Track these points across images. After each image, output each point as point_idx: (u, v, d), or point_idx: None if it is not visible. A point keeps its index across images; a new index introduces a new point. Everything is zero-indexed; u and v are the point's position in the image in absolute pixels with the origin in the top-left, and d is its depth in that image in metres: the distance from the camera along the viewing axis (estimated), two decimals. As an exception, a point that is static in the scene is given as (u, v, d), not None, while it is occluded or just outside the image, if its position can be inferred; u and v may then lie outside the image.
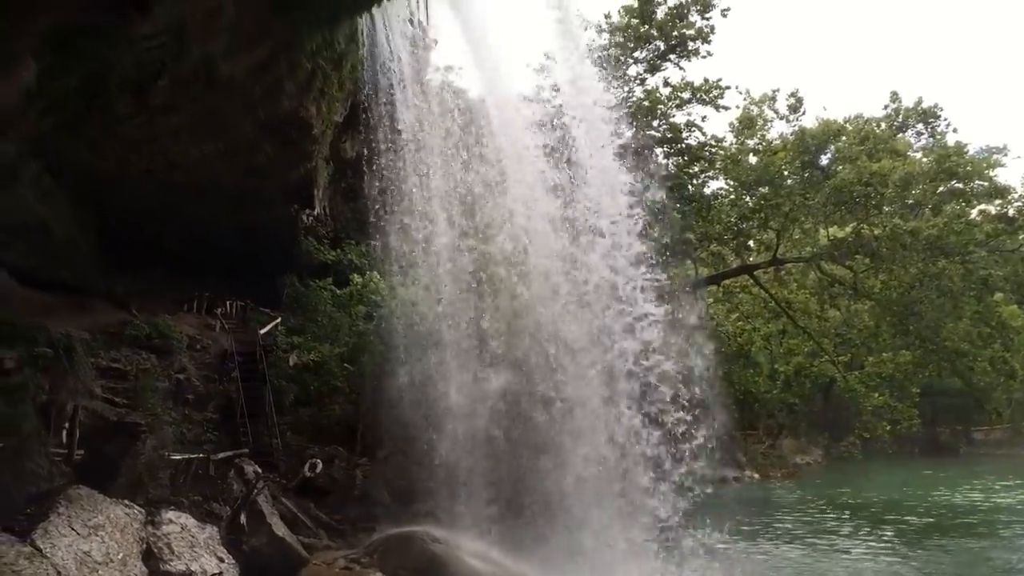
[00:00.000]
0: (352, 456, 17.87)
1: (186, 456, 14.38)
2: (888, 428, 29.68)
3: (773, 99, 31.50)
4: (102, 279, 17.95)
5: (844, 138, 30.16)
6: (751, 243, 32.78)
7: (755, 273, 32.48)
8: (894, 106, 31.50)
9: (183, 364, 17.91)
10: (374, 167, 18.78)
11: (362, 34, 17.86)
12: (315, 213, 21.62)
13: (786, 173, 30.27)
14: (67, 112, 12.22)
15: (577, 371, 16.39)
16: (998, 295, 29.77)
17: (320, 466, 16.91)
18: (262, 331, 20.01)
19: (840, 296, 32.73)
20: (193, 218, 17.99)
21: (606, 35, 29.65)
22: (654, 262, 16.47)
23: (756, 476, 33.36)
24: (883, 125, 30.91)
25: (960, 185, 29.07)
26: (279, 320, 20.95)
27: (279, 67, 14.82)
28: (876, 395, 29.01)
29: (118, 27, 10.33)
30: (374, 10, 16.86)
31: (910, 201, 29.33)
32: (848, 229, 29.45)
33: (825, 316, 33.47)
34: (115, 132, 13.73)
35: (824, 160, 30.56)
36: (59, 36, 9.49)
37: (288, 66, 15.04)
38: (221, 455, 15.37)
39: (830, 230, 30.81)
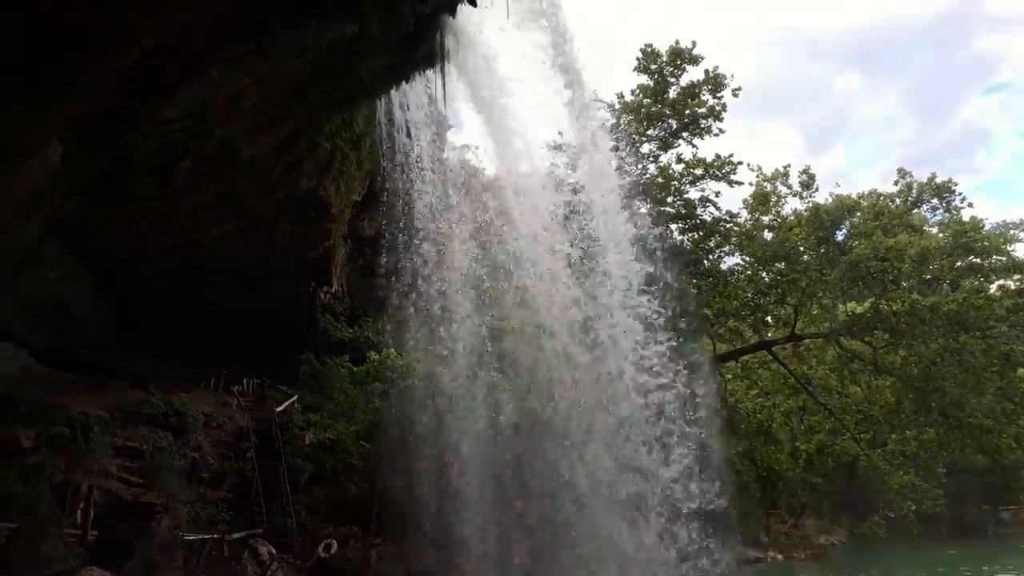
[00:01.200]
0: (367, 536, 17.66)
1: (200, 536, 14.27)
2: (913, 507, 29.05)
3: (785, 175, 31.75)
4: (121, 358, 18.05)
5: (859, 214, 30.26)
6: (769, 319, 32.58)
7: (773, 349, 32.17)
8: (905, 181, 31.73)
9: (199, 442, 17.89)
10: (391, 244, 18.98)
11: (381, 115, 18.22)
12: (333, 290, 21.77)
13: (802, 249, 30.26)
14: (90, 194, 12.42)
15: (595, 463, 16.31)
16: (1021, 370, 29.37)
17: (335, 547, 16.71)
18: (278, 409, 20.00)
19: (860, 372, 32.31)
20: (212, 297, 18.13)
21: (620, 114, 30.07)
22: (671, 338, 16.42)
23: (779, 557, 32.47)
24: (897, 200, 31.08)
25: (978, 260, 29.03)
26: (296, 397, 20.95)
27: (299, 148, 15.08)
28: (900, 473, 28.45)
29: (142, 111, 10.55)
30: (392, 92, 17.21)
31: (928, 276, 29.24)
32: (866, 304, 29.30)
33: (846, 392, 33.02)
34: (137, 213, 13.93)
35: (840, 236, 30.60)
36: (85, 120, 9.69)
37: (308, 147, 15.31)
38: (235, 535, 15.22)
39: (848, 305, 30.66)
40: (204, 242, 16.07)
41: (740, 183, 30.27)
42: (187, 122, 11.73)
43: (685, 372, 17.62)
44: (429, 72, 15.53)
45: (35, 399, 14.21)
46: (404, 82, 15.84)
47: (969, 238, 28.30)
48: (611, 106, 29.94)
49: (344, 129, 16.34)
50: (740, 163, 29.77)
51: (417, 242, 19.04)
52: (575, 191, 20.34)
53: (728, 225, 30.36)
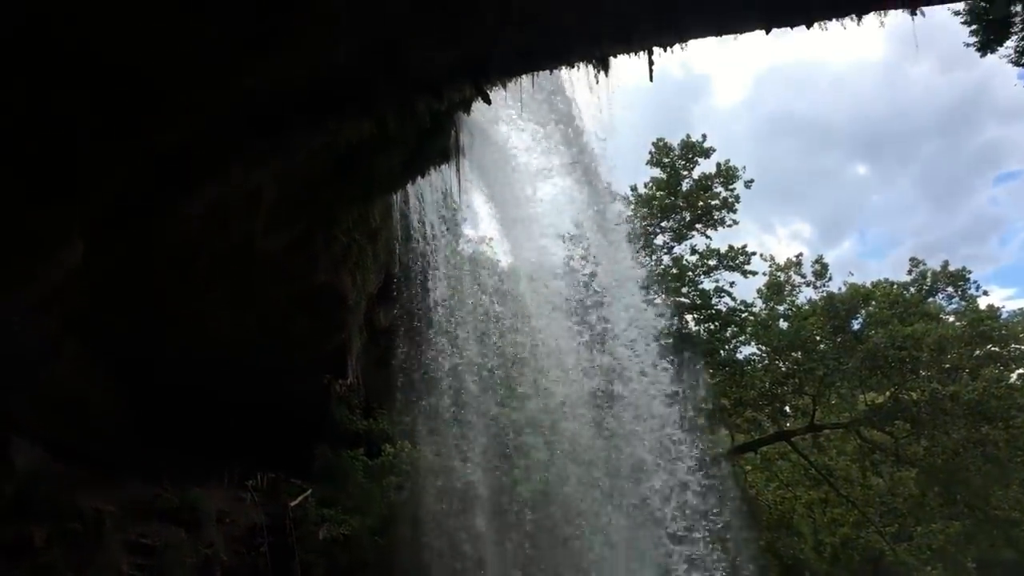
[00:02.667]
0: (380, 636, 17.26)
1: (211, 635, 13.94)
2: (943, 603, 28.21)
3: (798, 264, 31.86)
4: (135, 452, 17.93)
5: (873, 302, 30.17)
6: (787, 409, 32.28)
7: (793, 439, 31.75)
8: (919, 270, 31.72)
9: (212, 538, 17.60)
10: (407, 336, 19.04)
11: (396, 209, 18.49)
12: (348, 382, 21.70)
13: (818, 338, 30.10)
14: (109, 289, 12.56)
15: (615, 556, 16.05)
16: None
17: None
18: (292, 503, 19.73)
19: (882, 463, 31.72)
20: (227, 390, 18.10)
21: (634, 206, 30.42)
22: (689, 428, 16.31)
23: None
24: (912, 289, 31.02)
25: (996, 349, 28.77)
26: (310, 491, 20.67)
27: (315, 242, 15.28)
28: (928, 569, 27.73)
29: (163, 208, 10.75)
30: (408, 186, 17.50)
31: (947, 365, 28.90)
32: (886, 394, 29.00)
33: (868, 484, 32.35)
34: (154, 307, 14.06)
35: (855, 324, 30.43)
36: (107, 216, 9.86)
37: (324, 241, 15.51)
38: (246, 636, 14.88)
39: (867, 395, 30.33)
40: (220, 336, 16.15)
41: (754, 273, 30.41)
42: (206, 218, 11.93)
43: (704, 463, 17.42)
44: (444, 166, 15.83)
45: (49, 495, 14.10)
46: (420, 177, 16.14)
47: (987, 327, 28.10)
48: (625, 198, 30.32)
49: (360, 223, 16.58)
50: (753, 254, 30.01)
51: (432, 333, 19.11)
52: (590, 282, 20.45)
53: (743, 315, 30.36)
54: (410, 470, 19.78)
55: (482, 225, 21.37)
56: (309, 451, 21.62)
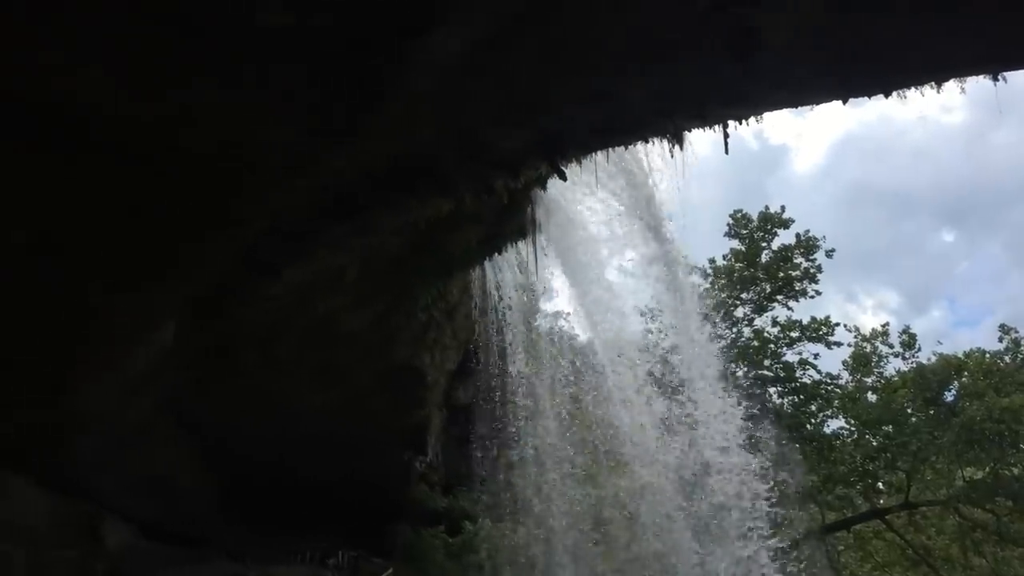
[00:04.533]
0: None
1: None
2: None
3: (885, 335, 31.02)
4: (220, 531, 18.13)
5: (966, 373, 29.09)
6: (880, 485, 31.06)
7: (887, 517, 30.44)
8: (1011, 338, 30.53)
9: (294, 617, 17.59)
10: (485, 413, 19.02)
11: (474, 285, 18.66)
12: (428, 460, 21.70)
13: (910, 411, 29.11)
14: (198, 368, 12.88)
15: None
16: None
17: None
18: (373, 583, 19.64)
19: (984, 542, 30.17)
20: (308, 468, 18.25)
21: (712, 278, 30.17)
22: (776, 507, 15.84)
23: None
24: (1006, 358, 29.85)
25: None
26: (391, 570, 20.54)
27: (395, 320, 15.48)
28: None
29: (251, 289, 11.06)
30: (485, 262, 17.68)
31: (1048, 439, 27.58)
32: (986, 469, 27.72)
33: (970, 564, 30.69)
34: (240, 386, 14.35)
35: (949, 396, 29.35)
36: (197, 300, 10.18)
37: (403, 319, 15.71)
38: None
39: (965, 470, 29.04)
40: (304, 414, 16.37)
41: (839, 344, 29.72)
42: (292, 298, 12.22)
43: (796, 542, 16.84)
44: (521, 242, 15.96)
45: (139, 573, 14.31)
46: (497, 253, 16.30)
47: (1088, 398, 26.79)
48: (703, 270, 30.13)
49: (439, 300, 16.76)
50: (837, 324, 29.36)
51: (511, 410, 19.05)
52: (669, 356, 20.23)
53: (829, 388, 29.58)
54: (491, 549, 19.55)
55: (559, 300, 21.42)
56: (390, 529, 21.57)
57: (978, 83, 9.53)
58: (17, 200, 7.00)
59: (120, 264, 8.23)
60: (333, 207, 9.35)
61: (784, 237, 29.61)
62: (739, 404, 17.97)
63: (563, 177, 11.93)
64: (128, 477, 14.52)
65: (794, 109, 10.59)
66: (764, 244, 29.68)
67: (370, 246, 11.76)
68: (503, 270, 19.37)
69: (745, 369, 27.20)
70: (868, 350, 30.84)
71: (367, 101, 6.64)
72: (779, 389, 29.59)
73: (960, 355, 30.29)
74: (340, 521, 19.75)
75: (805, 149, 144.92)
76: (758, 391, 25.96)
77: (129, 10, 5.14)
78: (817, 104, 10.35)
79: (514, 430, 19.13)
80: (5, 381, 9.73)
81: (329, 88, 6.30)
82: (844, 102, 9.82)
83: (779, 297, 29.67)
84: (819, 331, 29.30)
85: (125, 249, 8.01)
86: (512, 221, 14.59)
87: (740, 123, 10.65)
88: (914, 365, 30.06)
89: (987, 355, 29.85)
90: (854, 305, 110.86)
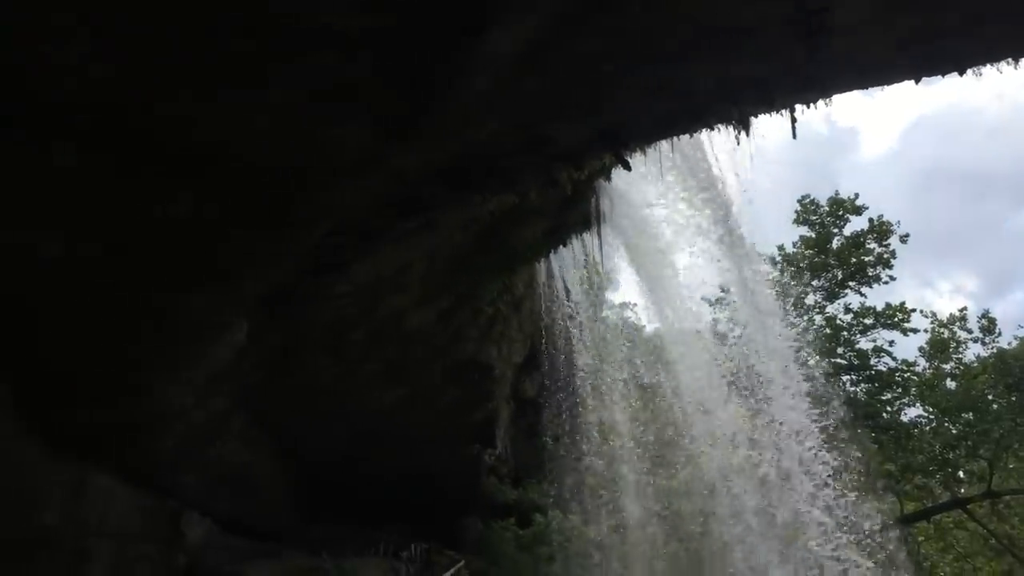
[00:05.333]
0: None
1: None
2: None
3: (963, 319, 30.14)
4: (295, 525, 18.48)
5: (1051, 358, 28.12)
6: (960, 474, 30.20)
7: (969, 507, 29.60)
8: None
9: (368, 609, 17.83)
10: (553, 405, 19.00)
11: (539, 277, 18.65)
12: (497, 453, 21.80)
13: (991, 397, 28.23)
14: (269, 368, 13.11)
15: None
16: None
17: None
18: (445, 575, 19.80)
19: (1073, 531, 29.24)
20: (379, 463, 18.49)
21: (781, 266, 29.67)
22: (854, 498, 15.52)
23: None
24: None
25: None
26: (462, 563, 20.70)
27: (462, 315, 15.55)
28: None
29: (319, 288, 11.21)
30: (551, 254, 17.65)
31: None
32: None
33: (1056, 554, 29.78)
34: (312, 384, 14.57)
35: (1032, 382, 28.38)
36: (268, 300, 10.34)
37: (470, 313, 15.76)
38: None
39: (1052, 457, 28.15)
40: (374, 410, 16.57)
41: (915, 330, 28.93)
42: (358, 296, 12.35)
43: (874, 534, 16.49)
44: (586, 234, 15.89)
45: (217, 568, 14.65)
46: (562, 245, 16.26)
47: None
48: (772, 258, 29.63)
49: (505, 293, 16.79)
50: (913, 310, 28.57)
51: (579, 401, 19.01)
52: (739, 345, 19.94)
53: (906, 375, 28.83)
54: (562, 541, 19.56)
55: (626, 290, 21.29)
56: (461, 522, 21.74)
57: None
58: (90, 212, 7.19)
59: (190, 266, 8.40)
60: (397, 205, 9.40)
61: (856, 223, 29.08)
62: (811, 392, 17.63)
63: (627, 167, 11.83)
64: (206, 473, 14.87)
65: (864, 91, 10.26)
66: (835, 231, 29.11)
67: (435, 242, 11.82)
68: (568, 262, 19.31)
69: (817, 357, 26.71)
70: (946, 336, 29.99)
71: (430, 100, 6.65)
72: (852, 377, 29.00)
73: (1043, 339, 29.32)
74: (412, 514, 19.97)
75: (876, 131, 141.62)
76: (831, 379, 25.45)
77: (203, 14, 5.21)
78: (888, 85, 10.04)
79: (582, 421, 19.07)
80: (88, 381, 10.04)
81: (393, 88, 6.32)
82: (916, 82, 9.52)
83: (851, 284, 29.04)
84: (894, 317, 28.59)
85: (194, 251, 8.17)
86: (576, 212, 14.53)
87: (808, 107, 10.40)
88: (994, 350, 29.16)
89: (1069, 339, 28.85)
90: (929, 290, 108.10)
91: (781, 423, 17.23)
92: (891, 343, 29.04)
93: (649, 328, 21.30)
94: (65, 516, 11.27)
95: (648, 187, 16.86)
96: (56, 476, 11.09)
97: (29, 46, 5.24)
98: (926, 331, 30.15)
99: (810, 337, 26.27)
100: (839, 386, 26.75)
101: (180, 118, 6.27)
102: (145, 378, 10.52)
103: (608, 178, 13.79)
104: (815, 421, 17.13)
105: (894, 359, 28.86)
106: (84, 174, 6.64)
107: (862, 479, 19.98)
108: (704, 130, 11.61)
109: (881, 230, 28.47)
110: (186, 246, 7.98)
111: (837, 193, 29.30)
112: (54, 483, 11.08)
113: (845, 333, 28.89)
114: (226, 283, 9.18)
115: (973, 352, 30.40)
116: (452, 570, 20.19)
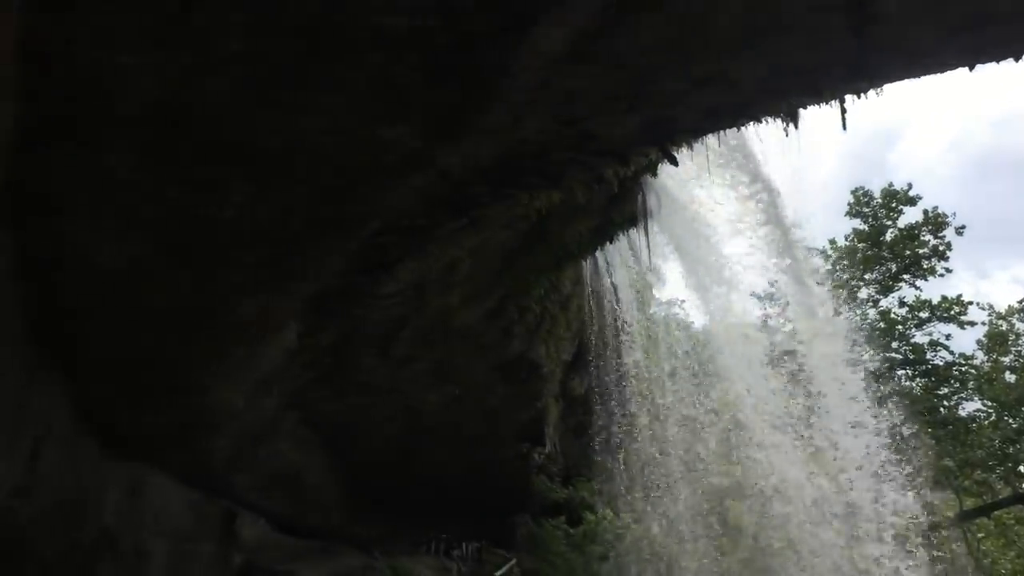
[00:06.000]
0: None
1: None
2: None
3: (1022, 311, 29.42)
4: (346, 523, 18.64)
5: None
6: (1022, 469, 29.47)
7: (1031, 502, 28.87)
8: None
9: (421, 606, 17.93)
10: (602, 403, 18.91)
11: (587, 275, 18.57)
12: (546, 451, 21.76)
13: (1054, 391, 27.51)
14: (320, 367, 13.22)
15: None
16: None
17: None
18: (497, 573, 19.83)
19: None
20: (429, 462, 18.57)
21: (833, 260, 29.23)
22: (914, 494, 15.24)
23: None
24: None
25: None
26: (514, 561, 20.72)
27: (509, 313, 15.53)
28: None
29: (366, 288, 11.26)
30: (597, 252, 17.56)
31: None
32: None
33: (1122, 551, 28.94)
34: (361, 384, 14.67)
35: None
36: (317, 300, 10.43)
37: (517, 311, 15.74)
38: None
39: (1117, 453, 27.34)
40: (422, 409, 16.63)
41: (972, 323, 28.28)
42: (406, 295, 12.39)
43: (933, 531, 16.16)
44: (633, 230, 15.77)
45: (270, 567, 14.85)
46: (608, 243, 16.16)
47: None
48: (823, 251, 29.19)
49: (552, 291, 16.73)
50: (970, 303, 27.95)
51: (628, 399, 18.89)
52: (790, 340, 19.69)
53: (964, 369, 28.21)
54: (613, 539, 19.47)
55: (673, 287, 21.11)
56: (511, 520, 21.75)
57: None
58: (148, 214, 7.32)
59: (240, 268, 8.50)
60: (444, 204, 9.41)
61: (910, 215, 28.56)
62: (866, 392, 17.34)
63: (674, 162, 11.73)
64: (260, 473, 15.06)
65: (916, 79, 10.01)
66: (889, 223, 28.60)
67: (481, 240, 11.80)
68: (615, 259, 19.21)
69: (871, 352, 26.25)
70: (1004, 328, 29.29)
71: (477, 99, 6.65)
72: (908, 372, 28.48)
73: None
74: (463, 513, 20.04)
75: (929, 120, 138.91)
76: (887, 374, 25.00)
77: (259, 20, 5.27)
78: (941, 73, 9.79)
79: (631, 418, 18.96)
80: (144, 383, 10.23)
81: (440, 87, 6.33)
82: (971, 69, 9.27)
83: (905, 277, 28.52)
84: (950, 310, 28.01)
85: (244, 253, 8.28)
86: (623, 209, 14.43)
87: (858, 97, 10.18)
88: (1057, 344, 28.42)
89: None
90: (986, 281, 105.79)
91: (835, 421, 17.01)
92: (948, 336, 28.49)
93: (697, 324, 21.11)
94: (122, 516, 11.49)
95: (695, 181, 16.72)
96: (113, 476, 11.31)
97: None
98: (984, 323, 29.50)
99: (864, 332, 25.83)
100: (895, 381, 26.31)
101: (239, 121, 6.37)
102: (199, 379, 10.67)
103: (655, 174, 13.66)
104: (874, 416, 16.89)
105: (951, 353, 28.30)
106: (143, 178, 6.77)
107: (921, 475, 19.62)
108: (751, 123, 11.44)
109: (936, 222, 27.90)
110: (240, 248, 8.09)
111: (890, 184, 28.86)
112: (111, 483, 11.30)
113: (900, 327, 28.38)
114: (278, 284, 9.28)
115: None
116: (504, 568, 20.23)
